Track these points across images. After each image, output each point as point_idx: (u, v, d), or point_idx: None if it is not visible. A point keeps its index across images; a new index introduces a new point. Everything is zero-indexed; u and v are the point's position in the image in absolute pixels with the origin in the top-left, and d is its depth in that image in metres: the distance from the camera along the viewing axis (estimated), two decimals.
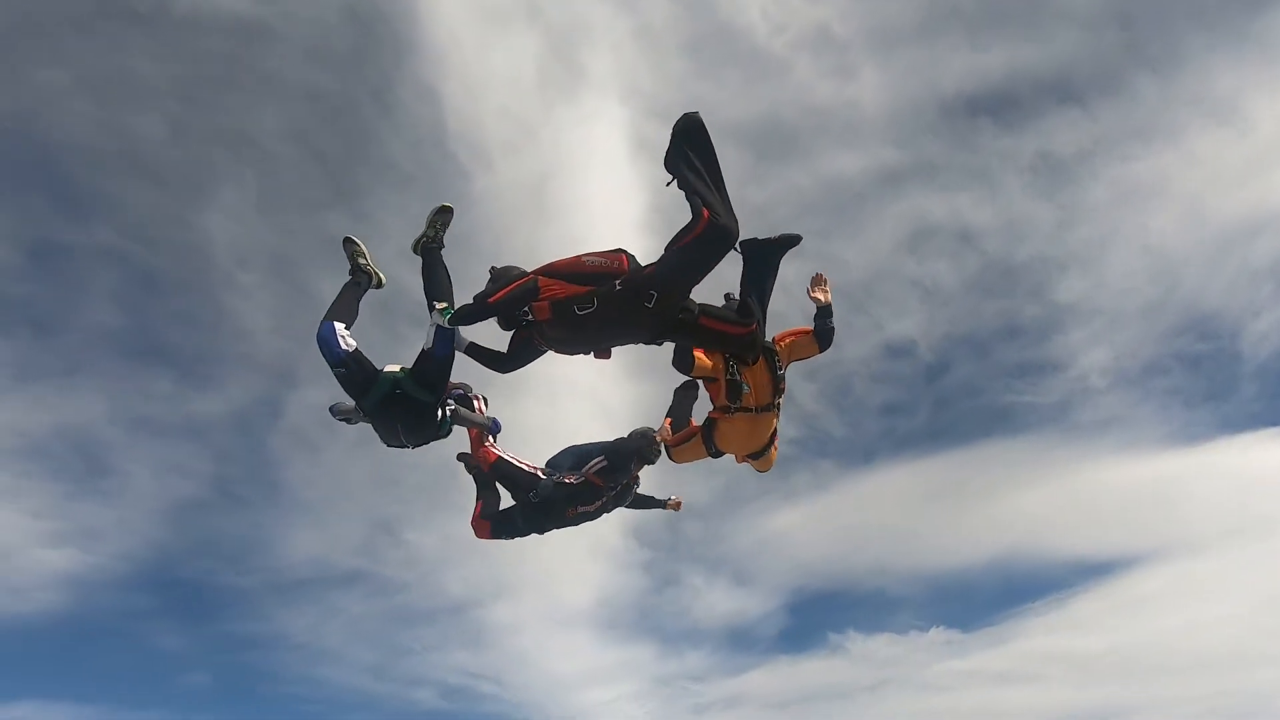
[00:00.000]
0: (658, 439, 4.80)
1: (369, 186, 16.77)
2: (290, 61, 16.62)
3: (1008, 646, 18.53)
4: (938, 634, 18.93)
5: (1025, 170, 19.47)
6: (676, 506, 5.50)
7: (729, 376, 4.45)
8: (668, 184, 3.61)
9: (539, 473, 4.78)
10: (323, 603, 16.72)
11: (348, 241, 4.54)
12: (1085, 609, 18.32)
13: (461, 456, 4.89)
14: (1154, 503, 18.92)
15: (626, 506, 5.17)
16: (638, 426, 4.92)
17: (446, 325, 3.92)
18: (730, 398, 4.53)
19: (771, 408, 4.56)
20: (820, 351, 4.61)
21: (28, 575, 14.75)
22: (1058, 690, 17.68)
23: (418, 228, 4.19)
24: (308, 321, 4.06)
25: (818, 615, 19.77)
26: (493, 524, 4.80)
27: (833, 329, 4.57)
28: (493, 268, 3.92)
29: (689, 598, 18.93)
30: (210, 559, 16.40)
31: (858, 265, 19.69)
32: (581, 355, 3.89)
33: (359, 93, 17.19)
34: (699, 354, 4.39)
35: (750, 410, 4.53)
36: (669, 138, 3.59)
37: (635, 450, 4.79)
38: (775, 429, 4.69)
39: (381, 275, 4.55)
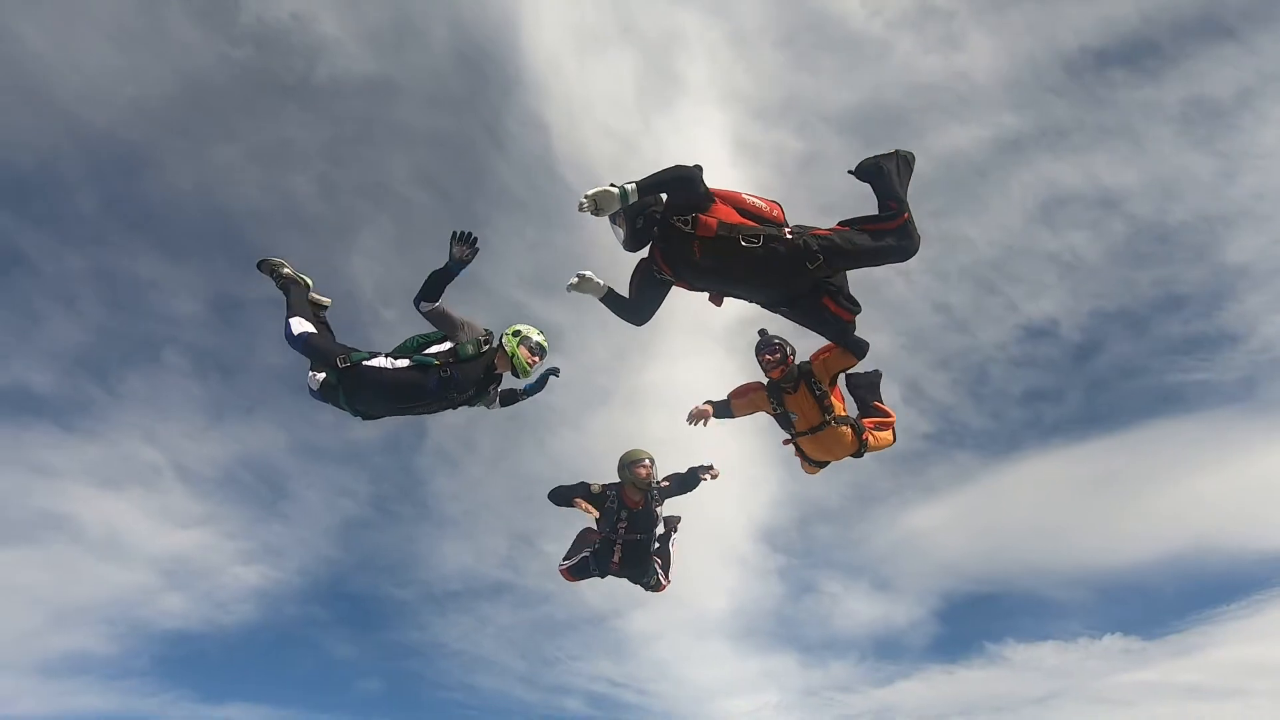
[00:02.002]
0: (639, 470, 5.12)
1: (488, 216, 17.92)
2: (414, 111, 18.20)
3: (1199, 656, 16.44)
4: (1113, 641, 17.13)
5: (1174, 120, 17.52)
6: (711, 473, 5.44)
7: (776, 411, 4.76)
8: (849, 171, 3.64)
9: (587, 555, 5.28)
10: (474, 612, 17.81)
11: (262, 264, 4.71)
12: None
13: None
14: None
15: (678, 493, 5.39)
16: (625, 452, 5.25)
17: (631, 196, 3.44)
18: (785, 428, 4.82)
19: (825, 425, 4.69)
20: (857, 360, 4.63)
21: (229, 590, 16.82)
22: (1264, 706, 15.48)
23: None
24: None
25: (971, 622, 18.46)
26: (572, 569, 5.33)
27: (857, 340, 4.46)
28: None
29: (828, 605, 18.34)
30: (374, 572, 17.97)
31: (985, 243, 18.49)
32: (701, 291, 3.74)
33: (474, 130, 18.48)
34: (736, 402, 4.84)
35: (806, 433, 4.74)
36: (883, 152, 3.62)
37: (616, 491, 5.15)
38: (857, 426, 4.77)
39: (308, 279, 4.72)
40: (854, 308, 3.72)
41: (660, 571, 5.38)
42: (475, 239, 3.93)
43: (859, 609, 18.29)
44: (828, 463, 4.97)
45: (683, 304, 3.94)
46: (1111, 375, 19.26)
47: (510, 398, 4.70)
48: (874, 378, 5.16)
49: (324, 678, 17.44)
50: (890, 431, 4.99)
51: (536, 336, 4.29)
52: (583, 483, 5.27)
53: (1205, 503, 17.65)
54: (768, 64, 18.15)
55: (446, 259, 3.95)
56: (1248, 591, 16.52)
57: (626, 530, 5.17)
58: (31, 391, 16.09)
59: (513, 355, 4.22)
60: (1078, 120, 18.45)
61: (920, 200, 3.66)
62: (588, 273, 3.93)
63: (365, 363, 4.12)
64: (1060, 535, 18.53)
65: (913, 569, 18.59)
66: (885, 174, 3.55)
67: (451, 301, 4.06)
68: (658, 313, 3.96)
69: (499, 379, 4.38)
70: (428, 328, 4.26)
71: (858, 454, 4.83)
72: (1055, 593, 18.23)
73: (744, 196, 3.62)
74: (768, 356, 4.69)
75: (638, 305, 3.88)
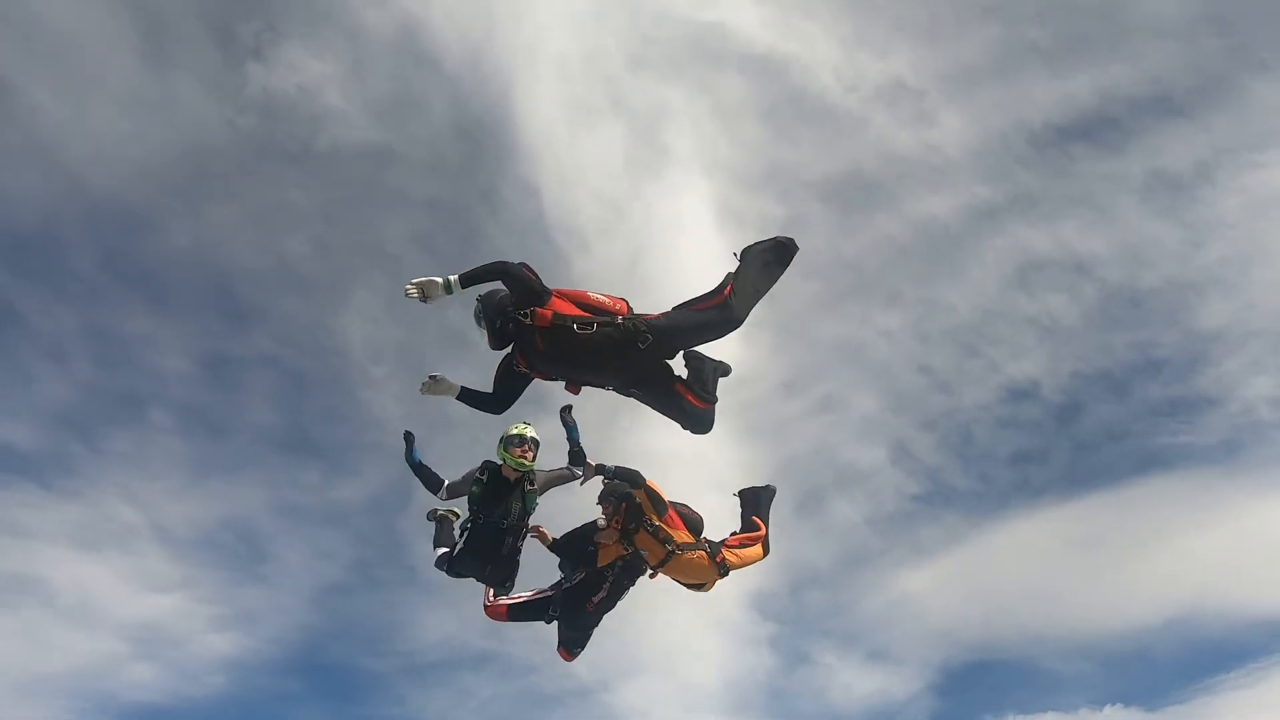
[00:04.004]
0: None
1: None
2: (411, 177, 18.82)
3: None
4: (1114, 713, 16.69)
5: (1137, 191, 18.44)
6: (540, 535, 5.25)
7: (629, 552, 4.92)
8: (735, 253, 3.98)
9: (547, 593, 5.13)
10: (454, 685, 17.15)
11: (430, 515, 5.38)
12: None
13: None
14: None
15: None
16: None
17: (454, 286, 3.77)
18: (644, 565, 5.01)
19: (671, 555, 4.86)
20: (637, 490, 4.87)
21: (199, 660, 16.19)
22: None
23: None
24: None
25: (970, 694, 17.99)
26: (510, 609, 5.14)
27: (632, 473, 4.84)
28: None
29: (822, 677, 17.87)
30: (351, 641, 17.37)
31: (963, 307, 18.98)
32: (557, 380, 4.02)
33: (469, 196, 19.08)
34: (603, 551, 4.91)
35: (658, 567, 4.94)
36: (770, 241, 4.00)
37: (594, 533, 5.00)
38: (711, 550, 4.96)
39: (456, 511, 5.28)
40: (710, 397, 4.06)
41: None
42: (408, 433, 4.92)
43: (854, 681, 17.82)
44: (707, 584, 5.09)
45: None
46: (1095, 436, 19.53)
47: (576, 456, 4.92)
48: (766, 493, 5.48)
49: None
50: (759, 546, 5.21)
51: (515, 430, 4.71)
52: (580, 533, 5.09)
53: (1196, 564, 17.63)
54: (750, 136, 19.01)
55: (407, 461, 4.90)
56: (1244, 659, 16.34)
57: (621, 574, 5.03)
58: (13, 449, 15.87)
59: (505, 462, 4.68)
60: (1046, 190, 19.37)
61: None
62: (439, 374, 4.12)
63: (454, 555, 4.82)
64: (1054, 598, 18.35)
65: (907, 635, 18.25)
66: (750, 256, 3.94)
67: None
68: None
69: (522, 481, 4.75)
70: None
71: (723, 573, 5.01)
72: (1052, 661, 17.91)
73: (589, 294, 3.93)
74: (603, 510, 4.95)
75: (497, 397, 4.11)
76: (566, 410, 4.81)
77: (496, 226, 18.88)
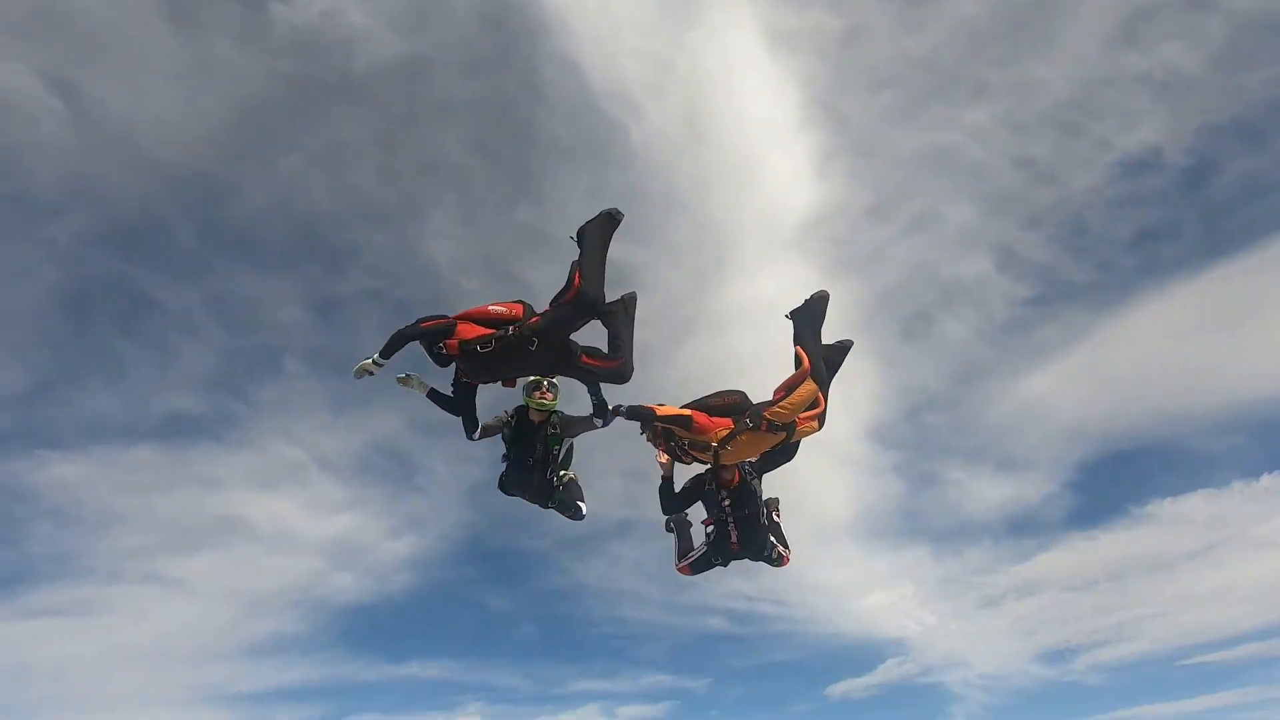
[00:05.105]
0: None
1: (542, 170, 18.18)
2: (452, 82, 18.55)
3: None
4: (1273, 481, 16.12)
5: None
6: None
7: (690, 460, 5.23)
8: (571, 236, 4.69)
9: (704, 549, 5.57)
10: (606, 553, 18.85)
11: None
12: None
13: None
14: None
15: (774, 466, 5.58)
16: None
17: (380, 361, 4.59)
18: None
19: (719, 453, 5.03)
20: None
21: (385, 564, 18.62)
22: None
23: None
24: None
25: (1109, 486, 17.85)
26: (692, 565, 5.67)
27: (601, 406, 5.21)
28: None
29: (953, 494, 18.18)
30: (509, 528, 19.39)
31: (1060, 81, 17.03)
32: (492, 383, 4.92)
33: (511, 87, 18.61)
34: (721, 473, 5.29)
35: (717, 465, 5.27)
36: (595, 217, 4.64)
37: (710, 474, 5.47)
38: (753, 421, 5.03)
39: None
40: (614, 354, 4.73)
41: (779, 544, 5.51)
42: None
43: (987, 493, 18.01)
44: (796, 435, 5.20)
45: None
46: (1231, 196, 17.57)
47: (599, 408, 5.19)
48: (811, 307, 5.43)
49: (486, 629, 19.20)
50: (805, 382, 5.16)
51: (533, 378, 5.13)
52: (685, 487, 5.52)
53: None
54: None
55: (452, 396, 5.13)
56: None
57: (733, 508, 5.33)
58: (186, 415, 18.05)
59: (529, 405, 5.21)
60: None
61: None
62: (412, 374, 5.06)
63: (500, 483, 5.43)
64: (1194, 375, 17.41)
65: (1035, 439, 18.06)
66: (584, 236, 4.61)
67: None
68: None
69: (547, 423, 5.24)
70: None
71: (779, 430, 5.08)
72: (1197, 440, 17.27)
73: (489, 308, 4.65)
74: (650, 440, 5.26)
75: (459, 401, 5.06)
76: None
77: (545, 111, 18.45)
